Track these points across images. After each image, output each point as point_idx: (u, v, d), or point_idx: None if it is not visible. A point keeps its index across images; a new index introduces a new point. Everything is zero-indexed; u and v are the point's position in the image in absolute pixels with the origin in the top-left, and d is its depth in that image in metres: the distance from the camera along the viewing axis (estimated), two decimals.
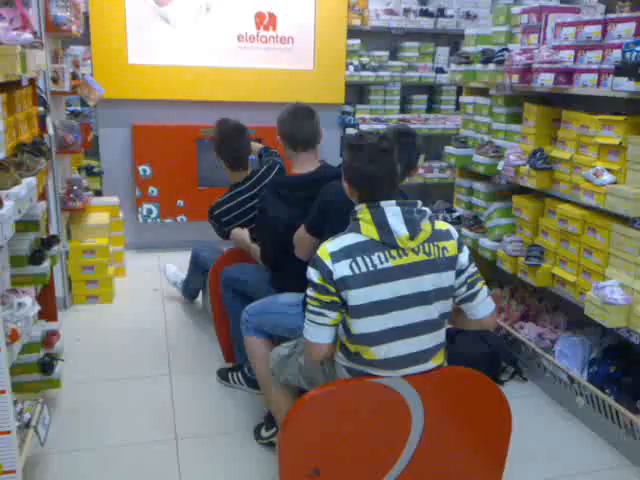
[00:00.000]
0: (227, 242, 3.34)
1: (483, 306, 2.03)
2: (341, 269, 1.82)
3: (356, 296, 1.83)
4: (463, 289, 1.97)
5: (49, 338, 2.77)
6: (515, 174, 3.32)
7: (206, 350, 3.47)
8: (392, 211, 1.85)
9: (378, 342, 1.87)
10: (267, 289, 2.75)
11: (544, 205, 3.29)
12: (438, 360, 1.99)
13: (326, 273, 1.84)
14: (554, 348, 3.14)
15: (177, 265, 4.27)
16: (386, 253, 1.84)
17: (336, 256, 1.84)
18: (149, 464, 2.53)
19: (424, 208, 1.92)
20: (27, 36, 2.70)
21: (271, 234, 2.66)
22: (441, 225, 1.96)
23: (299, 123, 2.61)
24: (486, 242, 3.68)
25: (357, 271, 1.82)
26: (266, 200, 2.66)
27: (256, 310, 2.59)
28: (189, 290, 4.05)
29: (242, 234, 3.08)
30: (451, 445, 2.05)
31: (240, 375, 3.06)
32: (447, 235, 1.94)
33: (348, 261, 1.82)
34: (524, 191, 3.44)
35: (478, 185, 3.88)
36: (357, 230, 1.87)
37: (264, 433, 2.66)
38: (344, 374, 2.00)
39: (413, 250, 1.85)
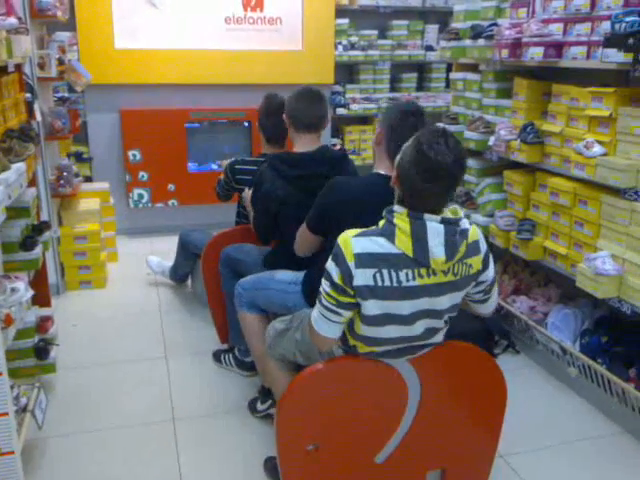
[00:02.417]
0: (217, 226, 3.29)
1: (491, 306, 2.02)
2: (363, 277, 1.71)
3: (372, 307, 1.75)
4: (480, 295, 1.93)
5: (43, 324, 2.78)
6: (506, 149, 3.32)
7: (201, 332, 3.48)
8: (435, 229, 1.68)
9: (381, 344, 1.86)
10: (262, 269, 2.75)
11: (535, 179, 3.30)
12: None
13: (347, 275, 1.72)
14: (546, 320, 3.17)
15: (168, 248, 4.26)
16: (415, 271, 1.71)
17: (360, 260, 1.70)
18: (147, 445, 2.54)
19: (466, 226, 1.75)
20: (12, 21, 2.67)
21: (264, 207, 2.65)
22: (474, 235, 1.79)
23: (307, 107, 2.58)
24: (478, 218, 3.68)
25: (380, 283, 1.71)
26: (263, 174, 2.64)
27: (250, 284, 2.58)
28: (178, 275, 4.05)
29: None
30: (447, 417, 2.07)
31: (231, 357, 3.08)
32: (476, 249, 1.80)
33: (372, 270, 1.70)
34: (515, 166, 3.45)
35: (469, 161, 3.88)
36: (390, 238, 1.71)
37: (260, 406, 2.69)
38: (340, 353, 2.01)
39: (443, 271, 1.73)
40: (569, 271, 3.00)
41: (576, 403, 2.88)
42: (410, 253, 1.69)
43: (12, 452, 2.04)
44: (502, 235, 3.43)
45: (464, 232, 1.73)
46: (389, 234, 1.71)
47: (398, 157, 1.79)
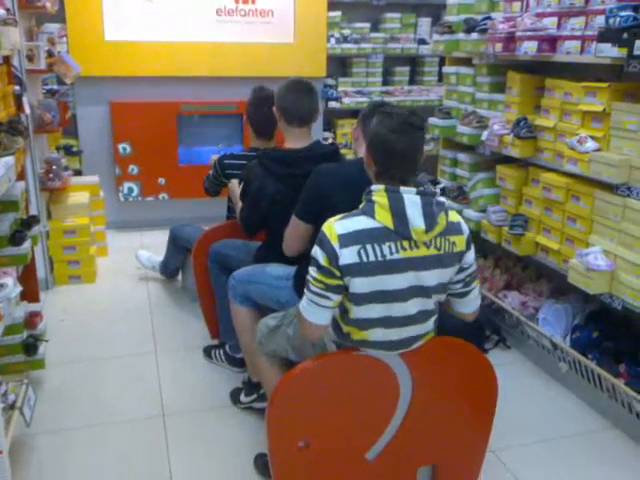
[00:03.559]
0: (207, 220, 3.26)
1: (471, 304, 2.00)
2: (348, 255, 1.73)
3: (360, 284, 1.76)
4: (459, 285, 1.93)
5: (32, 319, 2.75)
6: (499, 144, 3.31)
7: (191, 327, 3.46)
8: (411, 200, 1.74)
9: (373, 326, 1.85)
10: (252, 264, 2.73)
11: (528, 174, 3.29)
12: (427, 339, 1.98)
13: (332, 256, 1.74)
14: (537, 316, 3.17)
15: (158, 242, 4.23)
16: (397, 244, 1.74)
17: (344, 240, 1.74)
18: (137, 442, 2.52)
19: (442, 199, 1.84)
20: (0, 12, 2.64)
21: (254, 205, 2.63)
22: (453, 217, 1.86)
23: (297, 99, 2.55)
24: (470, 213, 3.68)
25: (365, 259, 1.73)
26: (253, 171, 2.62)
27: (243, 277, 2.56)
28: (169, 270, 4.02)
29: (236, 189, 3.02)
30: (439, 413, 2.06)
31: (222, 353, 3.07)
32: (458, 229, 1.86)
33: (356, 247, 1.73)
34: (508, 161, 3.44)
35: (462, 156, 3.87)
36: (370, 214, 1.76)
37: (243, 398, 2.70)
38: (332, 348, 2.00)
39: (425, 243, 1.76)
40: (561, 266, 3.00)
41: (566, 398, 2.89)
42: (390, 225, 1.74)
43: (0, 451, 2.01)
44: (494, 230, 3.42)
45: (441, 204, 1.80)
46: (369, 211, 1.77)
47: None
